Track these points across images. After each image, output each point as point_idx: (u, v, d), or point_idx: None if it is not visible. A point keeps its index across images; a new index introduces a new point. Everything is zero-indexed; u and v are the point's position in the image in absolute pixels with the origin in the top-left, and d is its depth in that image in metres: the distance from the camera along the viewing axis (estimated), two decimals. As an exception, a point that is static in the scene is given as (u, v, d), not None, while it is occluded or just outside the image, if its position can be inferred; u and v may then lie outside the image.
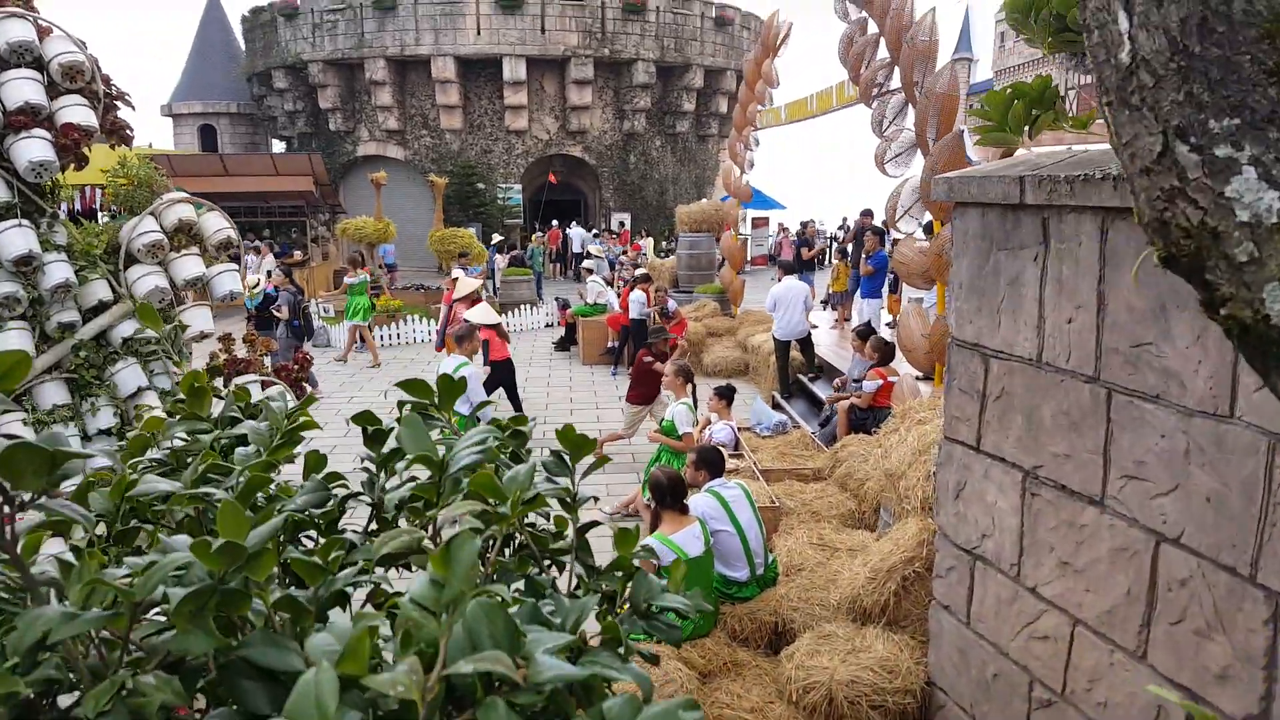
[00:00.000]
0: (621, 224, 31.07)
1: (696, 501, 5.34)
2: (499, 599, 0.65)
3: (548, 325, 19.98)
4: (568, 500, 0.93)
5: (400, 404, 1.05)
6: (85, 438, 3.99)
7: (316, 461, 1.27)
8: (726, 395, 8.53)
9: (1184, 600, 2.78)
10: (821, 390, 11.70)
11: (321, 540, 1.10)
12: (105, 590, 0.77)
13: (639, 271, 15.62)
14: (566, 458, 1.00)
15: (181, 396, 1.23)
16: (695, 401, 8.13)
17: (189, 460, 1.19)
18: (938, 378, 7.59)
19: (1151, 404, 2.79)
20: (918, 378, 8.05)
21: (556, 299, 20.23)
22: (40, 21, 3.80)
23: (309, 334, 14.80)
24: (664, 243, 27.82)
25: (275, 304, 13.49)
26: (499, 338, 11.33)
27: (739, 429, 8.81)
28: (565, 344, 17.27)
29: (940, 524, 4.05)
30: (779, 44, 14.12)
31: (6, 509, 0.86)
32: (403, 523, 1.14)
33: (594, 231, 29.42)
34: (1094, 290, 2.94)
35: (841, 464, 7.27)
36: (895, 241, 14.41)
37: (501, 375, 11.20)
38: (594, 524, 1.03)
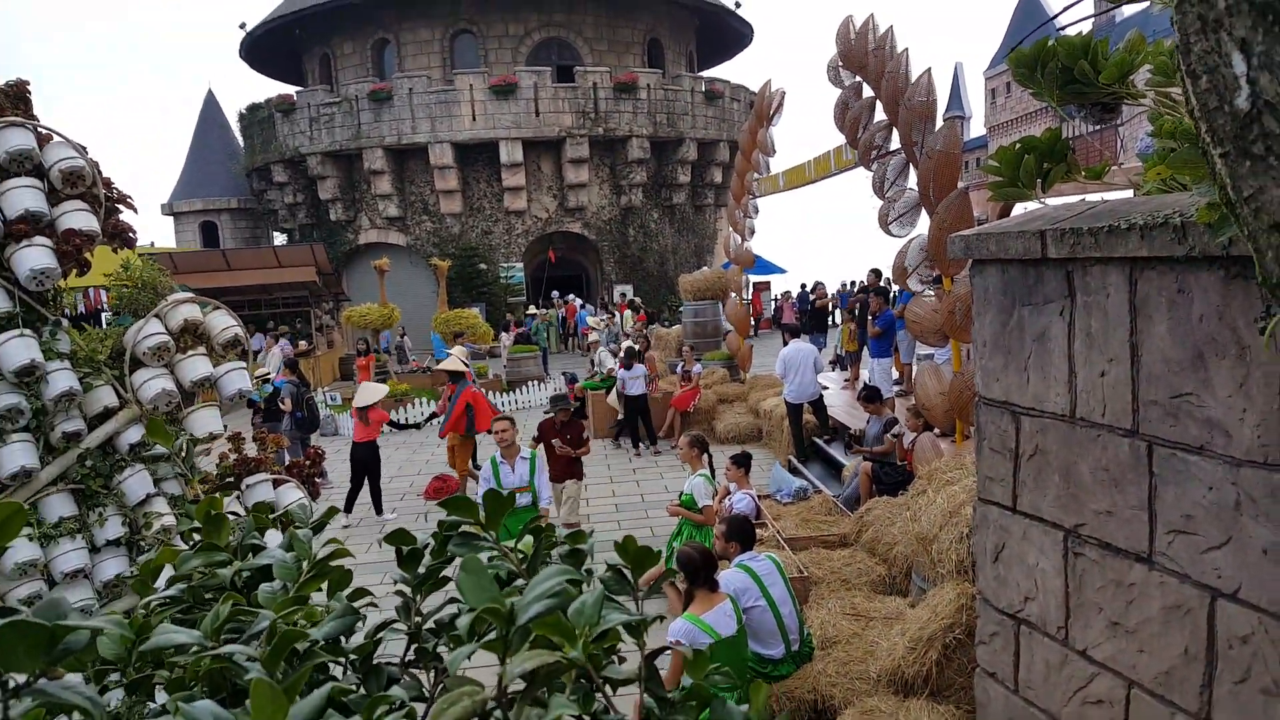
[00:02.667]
0: (623, 295, 31.23)
1: (727, 577, 5.18)
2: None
3: (556, 400, 19.88)
4: (634, 627, 0.83)
5: (441, 524, 0.96)
6: (94, 549, 3.88)
7: (341, 578, 1.18)
8: (744, 463, 8.40)
9: (1246, 658, 2.64)
10: (837, 452, 11.56)
11: (354, 674, 1.00)
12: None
13: (625, 345, 15.63)
14: (627, 573, 0.90)
15: (197, 524, 1.15)
16: (712, 471, 8.00)
17: (206, 595, 1.10)
18: (959, 436, 7.47)
19: (1196, 455, 2.68)
20: (937, 435, 7.92)
21: (564, 374, 20.20)
22: (40, 129, 3.80)
23: (314, 425, 14.72)
24: (646, 311, 27.79)
25: (280, 396, 13.46)
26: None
27: (759, 497, 8.66)
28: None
29: (980, 588, 3.91)
30: (773, 113, 14.32)
31: None
32: (444, 652, 1.04)
33: (587, 306, 29.52)
34: (1126, 342, 2.85)
35: (868, 528, 7.11)
36: (890, 298, 14.40)
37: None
38: (663, 649, 0.93)
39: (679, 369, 15.51)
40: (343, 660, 1.01)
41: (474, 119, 29.71)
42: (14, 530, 0.75)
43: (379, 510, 11.52)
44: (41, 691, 0.70)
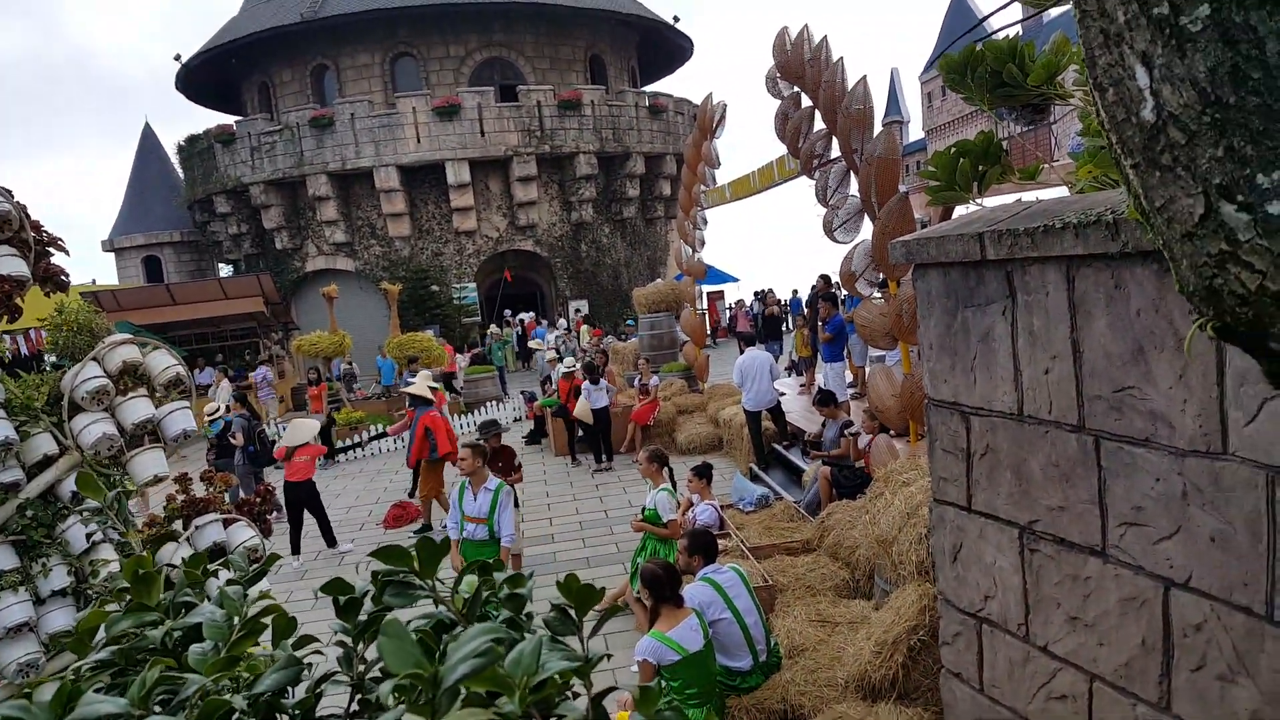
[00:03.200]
0: (577, 310, 31.19)
1: (691, 591, 5.16)
2: None
3: (516, 420, 19.80)
4: (579, 669, 0.81)
5: (375, 575, 0.94)
6: (39, 601, 3.76)
7: (285, 626, 1.14)
8: (705, 474, 8.41)
9: (1201, 645, 2.69)
10: (796, 457, 11.62)
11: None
12: None
13: (584, 361, 15.65)
14: (571, 613, 0.88)
15: (125, 584, 1.11)
16: (674, 484, 7.99)
17: (138, 657, 1.05)
18: (913, 437, 7.55)
19: (1141, 448, 2.73)
20: (892, 435, 8.00)
21: (523, 393, 20.10)
22: None
23: (267, 459, 14.44)
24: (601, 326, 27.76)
25: (231, 431, 13.20)
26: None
27: (721, 506, 8.67)
28: (536, 437, 17.10)
29: (941, 589, 3.94)
30: (715, 126, 14.43)
31: None
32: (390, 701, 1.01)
33: (543, 323, 29.37)
34: (1067, 339, 2.90)
35: (829, 533, 7.15)
36: (840, 302, 14.57)
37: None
38: (610, 690, 0.91)
39: (636, 382, 15.52)
40: (285, 715, 0.98)
41: (419, 141, 29.53)
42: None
43: (331, 543, 11.28)
44: None
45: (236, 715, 0.87)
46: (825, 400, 10.01)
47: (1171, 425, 2.61)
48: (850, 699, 4.65)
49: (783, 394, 12.98)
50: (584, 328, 27.13)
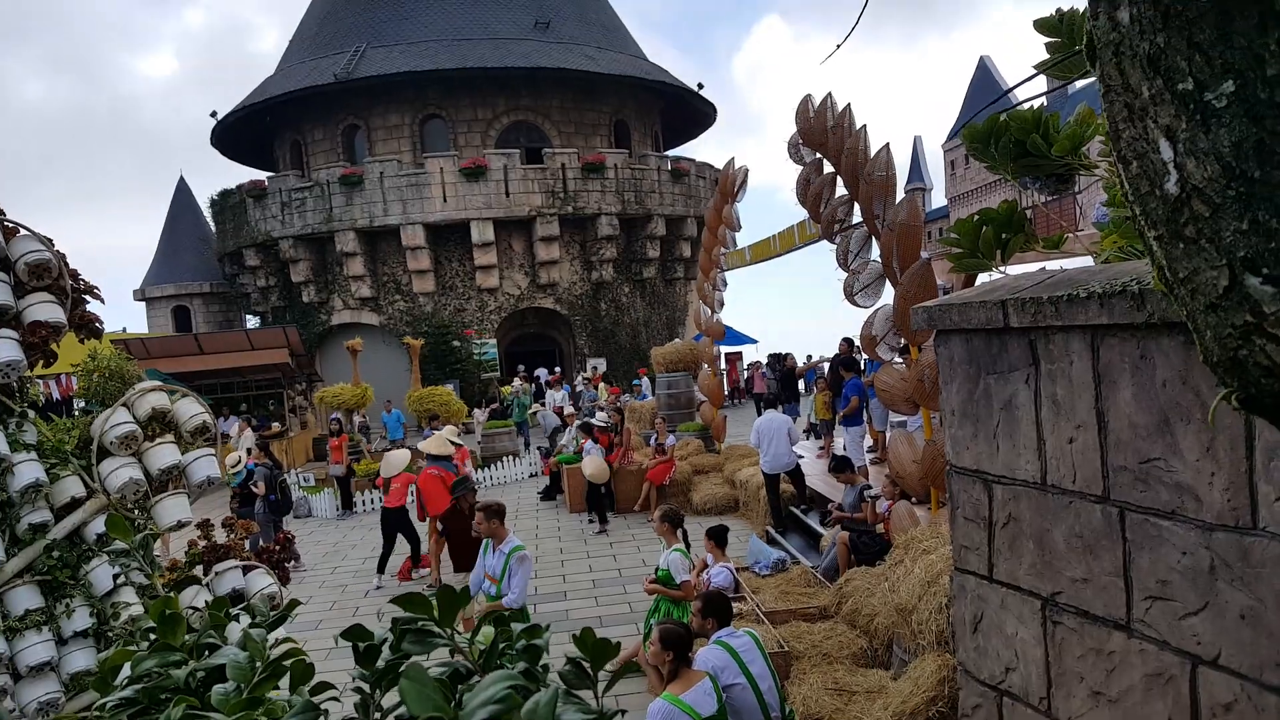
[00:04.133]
0: (594, 368, 31.26)
1: (705, 655, 5.08)
2: None
3: (531, 475, 19.75)
4: (595, 718, 0.81)
5: (395, 622, 0.94)
6: (61, 641, 3.79)
7: (303, 673, 1.14)
8: (720, 538, 8.33)
9: (1232, 726, 2.62)
10: (815, 522, 11.50)
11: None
12: None
13: (581, 421, 15.68)
14: (586, 666, 0.88)
15: (151, 625, 1.12)
16: (688, 544, 7.91)
17: (162, 696, 1.06)
18: (934, 504, 7.47)
19: (1168, 520, 2.70)
20: (913, 502, 7.92)
21: (539, 448, 20.08)
22: (6, 223, 3.81)
23: (287, 508, 14.50)
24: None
25: (253, 479, 13.27)
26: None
27: (737, 569, 8.58)
28: (551, 493, 17.05)
29: (961, 660, 3.86)
30: (737, 190, 14.62)
31: None
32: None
33: (564, 385, 29.23)
34: (1092, 409, 2.89)
35: (847, 599, 7.04)
36: (860, 367, 14.53)
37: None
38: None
39: (653, 441, 15.49)
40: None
41: (445, 200, 30.05)
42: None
43: (380, 570, 11.79)
44: None
45: None
46: (841, 466, 9.94)
47: (1199, 498, 2.58)
48: (867, 772, 4.54)
49: (801, 457, 12.91)
50: (601, 385, 27.18)
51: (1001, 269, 3.45)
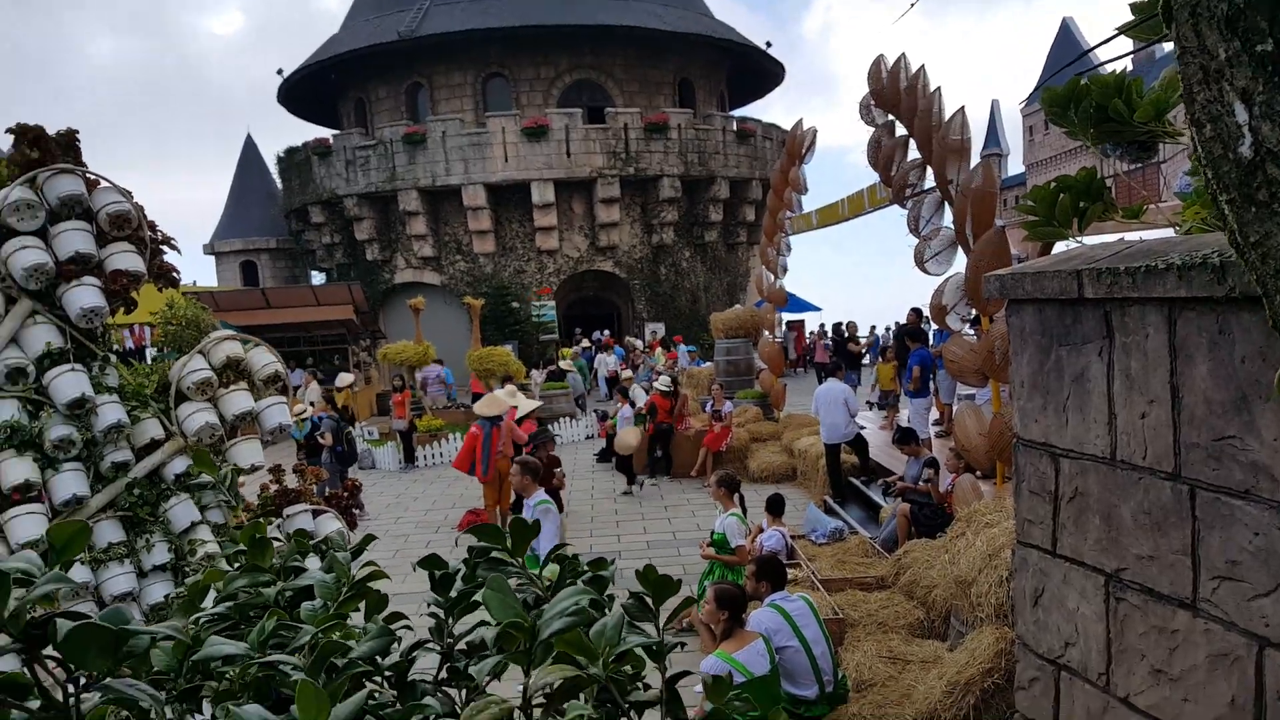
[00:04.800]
0: (654, 333, 31.27)
1: (758, 617, 5.13)
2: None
3: (588, 437, 19.95)
4: (655, 649, 0.85)
5: (471, 550, 0.99)
6: (141, 574, 3.98)
7: (378, 603, 1.20)
8: (776, 509, 8.33)
9: (1299, 710, 2.57)
10: (876, 494, 11.43)
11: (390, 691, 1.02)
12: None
13: (661, 381, 15.68)
14: (649, 600, 0.92)
15: (242, 547, 1.18)
16: (744, 510, 7.94)
17: (251, 614, 1.13)
18: (999, 478, 7.37)
19: (1240, 500, 2.63)
20: (978, 477, 7.81)
21: (595, 411, 20.24)
22: (88, 175, 3.95)
23: (353, 459, 14.89)
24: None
25: (320, 430, 13.63)
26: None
27: (793, 536, 8.58)
28: (607, 455, 17.21)
29: (1019, 633, 3.83)
30: (805, 151, 14.41)
31: (71, 689, 0.81)
32: (473, 670, 1.06)
33: (617, 348, 29.27)
34: (1166, 384, 2.82)
35: (905, 570, 7.01)
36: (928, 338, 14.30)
37: None
38: (684, 674, 0.94)
39: (709, 407, 15.50)
40: (379, 676, 1.04)
41: (506, 160, 30.13)
42: (79, 546, 0.79)
43: None
44: (109, 688, 0.75)
45: (346, 660, 0.93)
46: (905, 438, 9.83)
47: (1274, 478, 2.51)
48: (918, 739, 4.55)
49: (863, 428, 12.80)
50: (659, 350, 27.21)
51: (1078, 238, 3.37)
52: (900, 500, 9.09)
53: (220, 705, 0.91)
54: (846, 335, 24.83)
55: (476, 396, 14.03)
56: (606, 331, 31.10)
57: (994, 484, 7.58)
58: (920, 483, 9.07)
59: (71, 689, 0.82)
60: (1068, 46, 52.52)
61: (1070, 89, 3.11)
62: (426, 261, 32.20)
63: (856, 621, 6.46)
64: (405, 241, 32.23)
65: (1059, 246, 3.71)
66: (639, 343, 29.25)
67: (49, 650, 0.79)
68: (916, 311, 17.13)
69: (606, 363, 27.05)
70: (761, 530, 8.24)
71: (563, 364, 24.25)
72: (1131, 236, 3.48)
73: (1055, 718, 3.62)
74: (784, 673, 5.01)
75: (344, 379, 19.10)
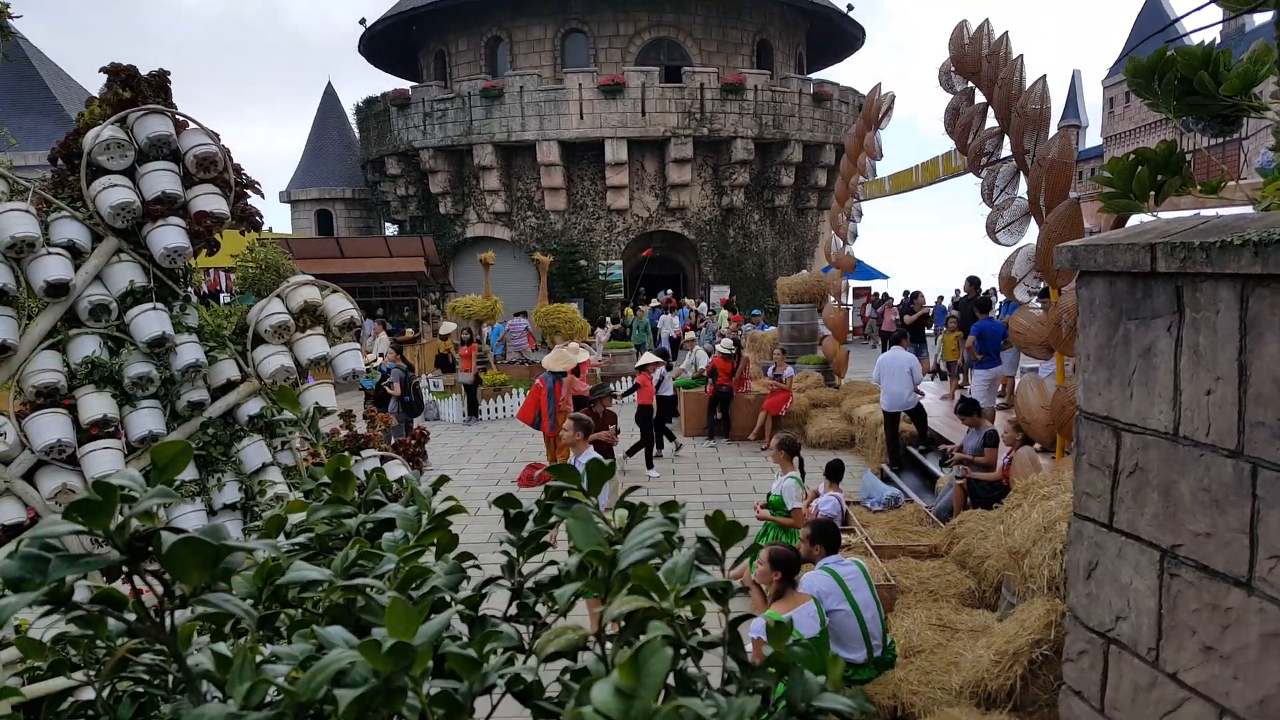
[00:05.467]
0: (721, 298, 31.15)
1: (811, 579, 5.18)
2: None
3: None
4: (720, 591, 0.91)
5: (547, 489, 1.05)
6: (211, 512, 4.08)
7: (448, 542, 1.28)
8: (835, 474, 8.33)
9: (1353, 695, 2.55)
10: (934, 463, 11.34)
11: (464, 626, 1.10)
12: (265, 687, 0.77)
13: (724, 344, 15.66)
14: (716, 545, 0.98)
15: (325, 479, 1.27)
16: (803, 474, 7.97)
17: (330, 544, 1.22)
18: (1059, 451, 7.27)
19: (1306, 481, 2.60)
20: (1038, 450, 7.71)
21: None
22: (177, 116, 4.00)
23: (419, 409, 15.25)
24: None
25: (388, 380, 13.96)
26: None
27: (848, 502, 8.59)
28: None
29: (1070, 605, 3.83)
30: (881, 117, 14.14)
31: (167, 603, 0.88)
32: (540, 608, 1.14)
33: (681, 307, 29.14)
34: (1234, 361, 2.78)
35: (959, 540, 6.99)
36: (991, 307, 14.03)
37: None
38: (747, 616, 1.00)
39: (770, 371, 15.47)
40: (453, 609, 1.11)
41: (581, 118, 30.11)
42: (181, 465, 0.87)
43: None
44: (206, 601, 0.82)
45: (430, 586, 1.01)
46: (968, 409, 9.71)
47: (1342, 461, 2.47)
48: (963, 704, 4.58)
49: (923, 397, 12.67)
50: (724, 312, 27.12)
51: (1153, 212, 3.31)
52: (958, 470, 9.01)
53: (308, 629, 0.98)
54: (914, 308, 24.32)
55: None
56: (669, 291, 31.09)
57: (1053, 458, 7.48)
58: (978, 457, 8.98)
59: (169, 602, 0.89)
60: (1155, 17, 50.26)
61: (1156, 60, 3.04)
62: (498, 216, 32.48)
63: (908, 589, 6.48)
64: (478, 196, 32.52)
65: (1134, 220, 3.64)
66: (703, 306, 29.18)
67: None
68: (973, 281, 16.82)
69: (671, 324, 27.08)
70: (818, 495, 8.27)
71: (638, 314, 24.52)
72: (1208, 212, 3.40)
73: (1103, 691, 3.62)
74: (833, 635, 5.07)
75: (447, 328, 19.50)
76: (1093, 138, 59.49)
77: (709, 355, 16.64)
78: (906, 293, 31.15)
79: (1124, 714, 3.46)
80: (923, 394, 12.54)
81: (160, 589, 0.90)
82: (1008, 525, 5.36)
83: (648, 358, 13.95)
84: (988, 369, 12.72)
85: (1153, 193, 3.20)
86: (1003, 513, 5.89)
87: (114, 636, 0.89)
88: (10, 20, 3.75)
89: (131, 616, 0.89)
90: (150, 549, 0.82)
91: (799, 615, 4.78)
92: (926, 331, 24.43)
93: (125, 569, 0.87)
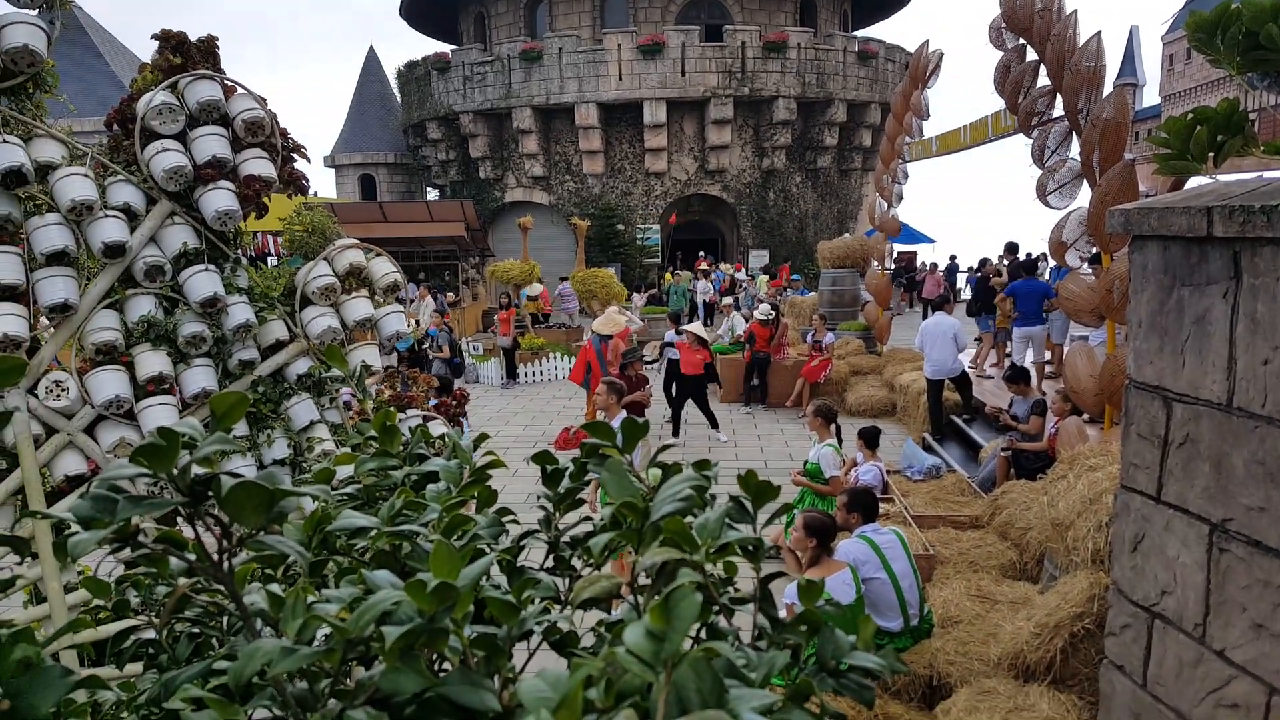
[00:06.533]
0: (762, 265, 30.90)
1: (847, 547, 5.17)
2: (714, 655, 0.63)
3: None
4: (751, 549, 0.91)
5: (582, 447, 1.06)
6: (261, 467, 4.22)
7: (488, 497, 1.29)
8: (869, 438, 8.27)
9: (1407, 672, 2.49)
10: (978, 433, 11.21)
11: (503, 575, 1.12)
12: (316, 624, 0.80)
13: (761, 310, 15.53)
14: (748, 504, 0.98)
15: (373, 433, 1.29)
16: (840, 441, 7.93)
17: (377, 495, 1.24)
18: (1107, 422, 7.14)
19: (1366, 454, 2.52)
20: (1086, 420, 7.58)
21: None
22: (226, 81, 4.09)
23: (460, 371, 15.42)
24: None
25: (436, 342, 14.15)
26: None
27: (888, 471, 8.54)
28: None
29: (1115, 578, 3.78)
30: (928, 75, 13.84)
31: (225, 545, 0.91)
32: (575, 561, 1.15)
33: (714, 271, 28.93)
34: (1295, 329, 2.70)
35: (1001, 511, 6.92)
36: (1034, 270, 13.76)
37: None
38: (779, 574, 1.00)
39: (809, 337, 15.36)
40: (493, 555, 1.13)
41: (620, 79, 29.87)
42: (238, 414, 0.89)
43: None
44: (262, 543, 0.85)
45: (473, 534, 1.02)
46: (1016, 376, 9.56)
47: (1406, 432, 2.40)
48: (1001, 676, 4.56)
49: (972, 367, 12.52)
50: (763, 277, 26.93)
51: (1212, 174, 3.21)
52: (1003, 440, 8.90)
53: (356, 576, 1.01)
54: (985, 273, 22.88)
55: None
56: (703, 254, 30.96)
57: (1101, 428, 7.35)
58: (1022, 423, 8.88)
59: (226, 544, 0.92)
60: (1220, -32, 48.39)
61: (1220, 13, 2.93)
62: (536, 181, 32.46)
63: (947, 559, 6.44)
64: (517, 160, 32.51)
65: (1192, 183, 3.53)
66: (742, 274, 28.94)
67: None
68: (1010, 248, 16.53)
69: (705, 289, 26.98)
70: (856, 464, 8.23)
71: (675, 279, 24.57)
72: (1271, 174, 3.29)
73: (1145, 666, 3.58)
74: (869, 604, 5.06)
75: (535, 289, 19.68)
76: (1150, 97, 57.85)
77: (746, 321, 16.55)
78: (953, 258, 30.60)
79: (1167, 690, 3.42)
80: (971, 366, 12.38)
81: (218, 532, 0.93)
82: (1052, 496, 5.29)
83: (695, 326, 13.73)
84: (1023, 327, 12.48)
85: (1212, 154, 3.09)
86: (1047, 483, 5.81)
87: (175, 575, 0.92)
88: None
89: (191, 556, 0.92)
90: (209, 493, 0.85)
91: (833, 582, 4.78)
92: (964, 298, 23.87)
93: (185, 511, 0.91)
